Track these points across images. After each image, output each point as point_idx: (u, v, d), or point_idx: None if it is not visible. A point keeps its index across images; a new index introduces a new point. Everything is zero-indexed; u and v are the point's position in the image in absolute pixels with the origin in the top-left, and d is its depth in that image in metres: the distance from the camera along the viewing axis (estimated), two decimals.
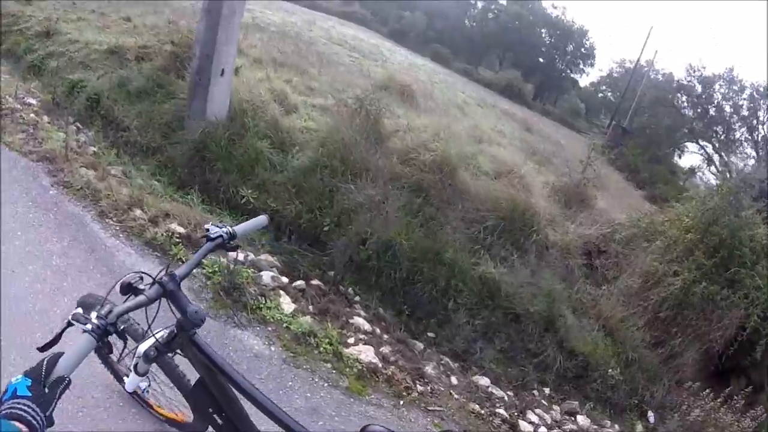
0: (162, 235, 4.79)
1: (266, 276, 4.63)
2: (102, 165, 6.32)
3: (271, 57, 12.20)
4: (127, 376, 2.04)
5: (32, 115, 7.56)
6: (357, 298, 5.22)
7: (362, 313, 4.91)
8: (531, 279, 5.39)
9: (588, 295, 5.69)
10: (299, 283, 4.90)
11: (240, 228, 1.98)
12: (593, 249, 6.48)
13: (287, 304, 4.37)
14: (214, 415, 2.01)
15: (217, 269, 4.35)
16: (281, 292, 4.53)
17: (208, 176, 6.29)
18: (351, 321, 4.62)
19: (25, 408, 1.09)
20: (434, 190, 6.19)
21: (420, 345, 4.81)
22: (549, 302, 5.15)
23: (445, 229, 5.79)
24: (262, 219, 2.12)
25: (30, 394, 1.12)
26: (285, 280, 4.81)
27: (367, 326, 4.59)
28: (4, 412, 1.07)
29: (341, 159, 6.20)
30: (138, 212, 5.19)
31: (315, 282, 5.09)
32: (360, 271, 5.36)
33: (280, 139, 6.78)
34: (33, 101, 8.12)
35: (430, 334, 5.13)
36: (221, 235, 1.88)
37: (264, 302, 4.22)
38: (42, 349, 1.40)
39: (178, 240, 4.76)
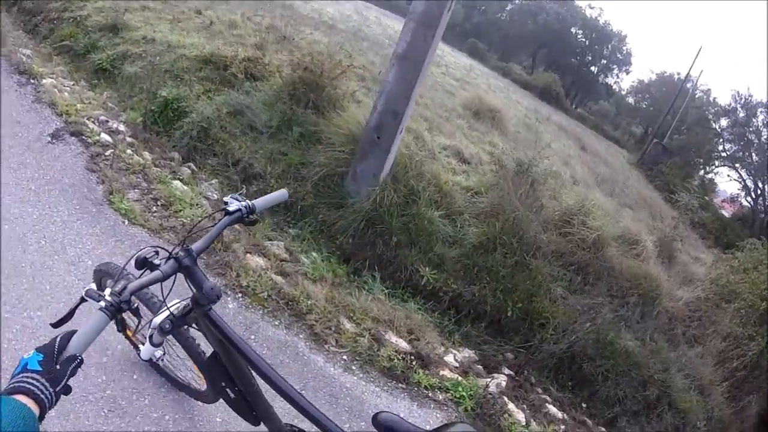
0: (396, 359, 4.02)
1: (492, 384, 4.27)
2: (267, 248, 4.49)
3: (371, 73, 10.33)
4: (143, 344, 2.06)
5: (129, 151, 5.53)
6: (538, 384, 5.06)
7: (548, 398, 4.79)
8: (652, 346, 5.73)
9: (684, 357, 5.98)
10: (502, 378, 4.52)
11: (259, 202, 1.95)
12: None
13: (516, 412, 4.12)
14: (227, 389, 2.11)
15: (465, 393, 3.96)
16: (504, 398, 4.24)
17: (378, 250, 5.33)
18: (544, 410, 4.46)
19: (34, 382, 1.11)
20: (592, 268, 6.17)
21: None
22: (665, 368, 5.51)
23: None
24: (282, 193, 2.10)
25: (41, 369, 1.14)
26: (503, 382, 4.40)
27: (559, 414, 4.51)
28: (12, 385, 1.10)
29: (512, 233, 5.75)
30: (347, 323, 4.20)
31: (506, 371, 4.82)
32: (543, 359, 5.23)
33: (447, 203, 6.10)
34: (121, 127, 6.03)
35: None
36: (240, 209, 1.84)
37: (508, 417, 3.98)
38: (55, 325, 1.47)
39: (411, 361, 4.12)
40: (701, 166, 33.09)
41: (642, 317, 6.08)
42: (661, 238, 8.09)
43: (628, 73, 53.06)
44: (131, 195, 4.76)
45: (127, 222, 4.35)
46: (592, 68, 53.32)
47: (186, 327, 1.96)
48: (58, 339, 1.23)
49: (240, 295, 4.01)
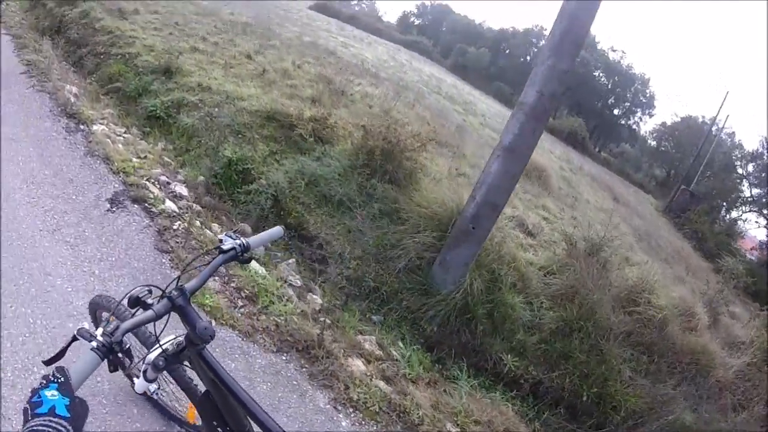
0: None
1: None
2: (361, 344, 4.08)
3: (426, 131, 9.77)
4: (137, 377, 2.03)
5: (198, 222, 4.84)
6: None
7: None
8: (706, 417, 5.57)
9: (733, 424, 5.75)
10: None
11: (254, 240, 1.94)
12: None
13: None
14: (218, 429, 2.02)
15: None
16: None
17: (463, 338, 5.03)
18: None
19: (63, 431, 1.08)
20: (656, 346, 5.92)
21: None
22: None
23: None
24: (277, 230, 2.09)
25: (69, 416, 1.12)
26: None
27: None
28: (40, 429, 1.06)
29: (587, 317, 5.49)
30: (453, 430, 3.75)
31: None
32: None
33: (524, 286, 5.81)
34: (183, 190, 5.38)
35: None
36: (234, 248, 1.84)
37: None
38: (47, 362, 1.43)
39: None
40: (728, 212, 32.96)
41: (696, 389, 5.95)
42: (707, 304, 7.89)
43: (651, 116, 53.12)
44: (211, 284, 4.05)
45: (214, 322, 3.63)
46: (615, 111, 53.44)
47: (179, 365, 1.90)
48: (71, 379, 1.22)
49: (351, 410, 3.43)
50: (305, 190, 5.91)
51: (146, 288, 1.63)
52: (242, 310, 3.96)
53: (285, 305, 4.13)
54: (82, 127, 6.07)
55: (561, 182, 13.53)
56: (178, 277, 1.71)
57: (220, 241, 1.87)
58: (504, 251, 5.74)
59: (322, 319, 4.14)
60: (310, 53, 12.23)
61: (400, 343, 4.58)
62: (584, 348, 5.27)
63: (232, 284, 4.20)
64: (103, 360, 1.37)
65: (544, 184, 11.44)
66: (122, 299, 1.60)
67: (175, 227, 4.69)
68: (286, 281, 4.64)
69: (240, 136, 6.61)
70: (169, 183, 5.48)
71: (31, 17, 11.03)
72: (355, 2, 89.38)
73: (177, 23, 10.63)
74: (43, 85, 7.06)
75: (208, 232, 4.84)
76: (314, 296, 4.58)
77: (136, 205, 4.82)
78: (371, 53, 18.66)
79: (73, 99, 6.73)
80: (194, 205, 5.32)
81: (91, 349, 1.36)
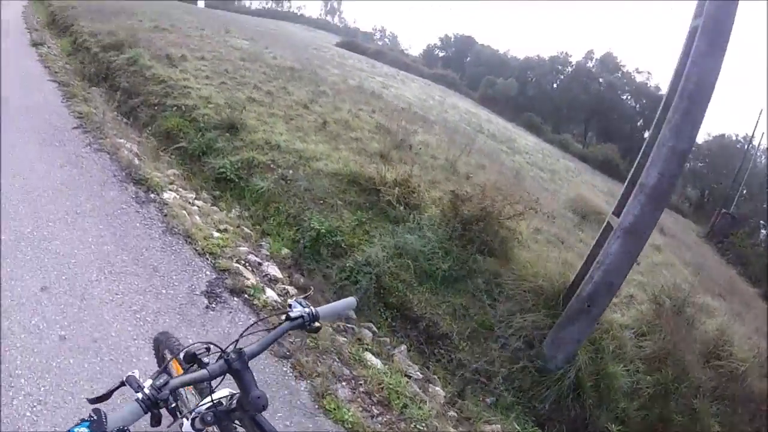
0: None
1: None
2: None
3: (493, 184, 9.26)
4: (187, 419, 1.87)
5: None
6: None
7: None
8: None
9: None
10: None
11: (324, 309, 1.83)
12: None
13: None
14: None
15: None
16: None
17: (572, 413, 4.87)
18: None
19: None
20: (739, 397, 5.68)
21: None
22: None
23: None
24: (350, 301, 1.95)
25: None
26: None
27: None
28: None
29: (681, 378, 5.36)
30: None
31: None
32: None
33: (620, 352, 5.49)
34: (276, 271, 4.75)
35: None
36: (302, 316, 1.74)
37: None
38: (92, 401, 1.41)
39: None
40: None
41: None
42: None
43: None
44: (341, 392, 3.44)
45: None
46: (645, 133, 53.02)
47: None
48: (106, 423, 1.22)
49: None
50: (403, 265, 5.33)
51: (205, 345, 1.58)
52: (380, 419, 3.48)
53: (420, 408, 3.73)
54: (152, 195, 5.47)
55: None
56: (238, 339, 1.62)
57: (289, 306, 1.78)
58: (601, 317, 5.41)
59: (451, 413, 3.97)
60: (359, 98, 11.93)
61: (515, 424, 4.38)
62: (680, 409, 5.21)
63: (361, 388, 3.69)
64: (146, 413, 1.33)
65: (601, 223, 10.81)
66: (181, 352, 1.55)
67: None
68: (406, 374, 4.23)
69: (321, 202, 6.03)
70: (260, 264, 4.86)
71: (75, 62, 10.62)
72: (378, 37, 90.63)
73: (227, 70, 10.18)
74: (100, 142, 6.50)
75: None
76: (435, 387, 4.34)
77: (236, 299, 4.19)
78: (410, 92, 18.70)
79: (134, 159, 6.16)
80: (290, 287, 4.69)
81: (136, 400, 1.33)
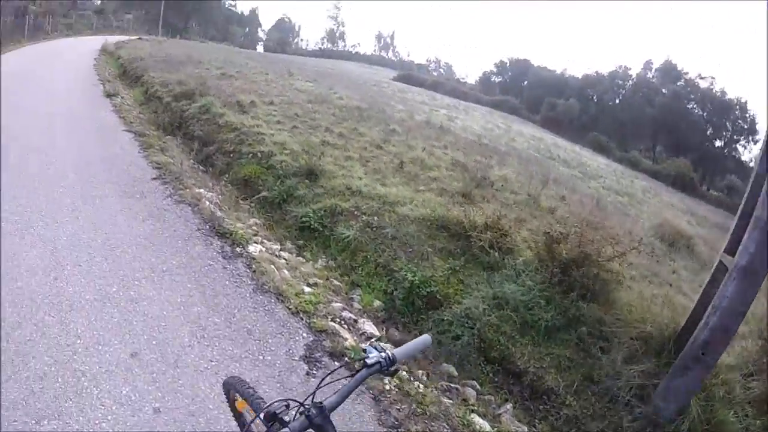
0: None
1: None
2: None
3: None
4: None
5: (405, 373, 3.81)
6: None
7: None
8: None
9: None
10: None
11: (401, 351, 1.75)
12: None
13: None
14: None
15: None
16: None
17: None
18: None
19: None
20: None
21: None
22: None
23: None
24: (425, 339, 1.88)
25: None
26: None
27: None
28: None
29: None
30: None
31: None
32: None
33: (726, 395, 5.00)
34: (372, 328, 4.44)
35: None
36: (379, 361, 1.65)
37: None
38: None
39: None
40: None
41: None
42: None
43: (756, 142, 49.10)
44: None
45: None
46: (716, 142, 49.92)
47: None
48: None
49: None
50: (503, 317, 4.93)
51: (284, 402, 1.53)
52: None
53: None
54: (238, 249, 5.24)
55: (701, 245, 12.04)
56: (314, 392, 1.55)
57: (364, 351, 1.69)
58: None
59: None
60: (429, 134, 11.81)
61: None
62: None
63: None
64: None
65: (693, 255, 10.10)
66: (259, 414, 1.56)
67: (387, 388, 3.66)
68: None
69: (411, 249, 5.68)
70: (355, 321, 4.54)
71: (148, 111, 10.81)
72: (433, 68, 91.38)
73: (297, 114, 10.13)
74: (180, 194, 6.39)
75: (421, 387, 3.80)
76: None
77: (336, 363, 3.84)
78: (475, 123, 18.76)
79: (216, 210, 5.98)
80: (387, 345, 4.31)
81: None
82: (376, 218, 6.11)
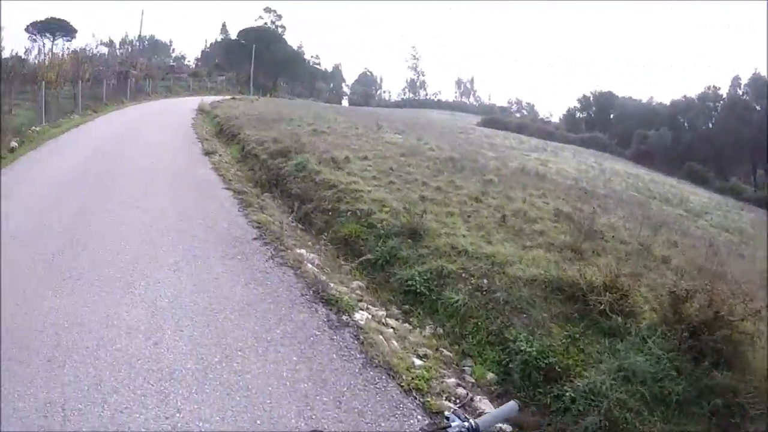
0: None
1: None
2: None
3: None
4: None
5: None
6: None
7: None
8: None
9: None
10: None
11: (484, 420, 1.55)
12: None
13: None
14: None
15: None
16: None
17: None
18: None
19: None
20: None
21: None
22: None
23: None
24: (511, 406, 1.67)
25: None
26: None
27: None
28: None
29: None
30: None
31: None
32: None
33: None
34: (488, 406, 4.08)
35: None
36: (461, 430, 1.48)
37: None
38: None
39: None
40: None
41: None
42: None
43: None
44: None
45: None
46: None
47: None
48: None
49: None
50: (630, 391, 4.34)
51: None
52: None
53: None
54: (344, 317, 4.99)
55: None
56: None
57: (447, 419, 1.47)
58: None
59: None
60: (526, 182, 11.46)
61: None
62: None
63: None
64: None
65: None
66: None
67: None
68: None
69: (524, 315, 5.21)
70: (472, 400, 4.10)
71: (245, 168, 11.04)
72: (515, 109, 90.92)
73: (391, 168, 10.00)
74: (282, 255, 6.27)
75: None
76: None
77: None
78: (567, 165, 18.39)
79: (319, 274, 5.78)
80: (505, 426, 3.86)
81: None
82: (485, 281, 5.71)
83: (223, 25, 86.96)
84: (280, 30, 70.00)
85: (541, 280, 5.71)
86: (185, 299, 5.03)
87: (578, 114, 61.94)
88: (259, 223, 7.30)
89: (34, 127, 15.95)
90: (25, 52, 30.73)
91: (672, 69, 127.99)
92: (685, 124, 49.26)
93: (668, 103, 53.66)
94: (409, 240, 6.54)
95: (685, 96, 52.11)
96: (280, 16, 70.84)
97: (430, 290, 5.73)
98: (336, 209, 7.66)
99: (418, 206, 7.45)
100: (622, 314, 5.27)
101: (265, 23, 69.48)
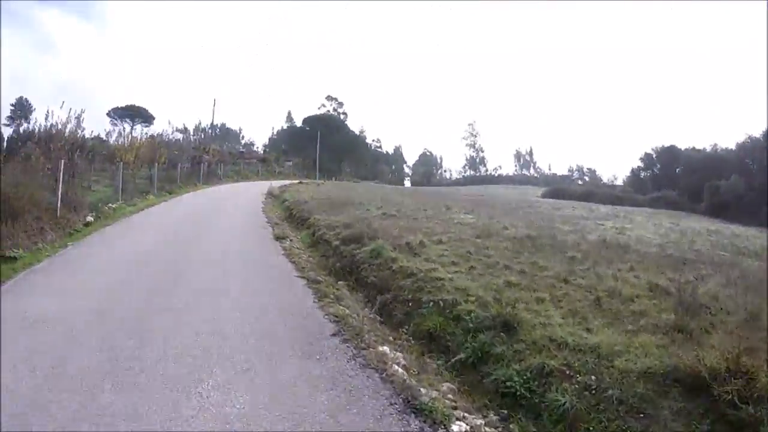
0: None
1: None
2: None
3: None
4: None
5: None
6: None
7: None
8: None
9: None
10: None
11: None
12: None
13: None
14: None
15: None
16: None
17: None
18: None
19: None
20: None
21: None
22: None
23: None
24: None
25: None
26: None
27: None
28: None
29: None
30: None
31: None
32: None
33: None
34: None
35: None
36: None
37: None
38: None
39: None
40: None
41: None
42: None
43: None
44: None
45: None
46: None
47: None
48: None
49: None
50: None
51: None
52: None
53: None
54: (440, 431, 4.35)
55: None
56: None
57: None
58: None
59: None
60: (610, 256, 10.65)
61: None
62: None
63: None
64: None
65: None
66: None
67: None
68: None
69: (642, 415, 4.47)
70: None
71: (317, 255, 10.83)
72: (576, 176, 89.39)
73: (469, 252, 9.52)
74: (364, 355, 5.79)
75: None
76: None
77: None
78: (644, 230, 17.65)
79: (405, 375, 5.24)
80: None
81: None
82: (593, 377, 5.02)
83: (289, 113, 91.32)
84: (342, 116, 72.89)
85: (654, 370, 4.99)
86: (260, 409, 4.49)
87: (643, 173, 60.05)
88: (337, 316, 6.89)
89: (110, 204, 16.65)
90: (107, 134, 32.65)
91: (732, 109, 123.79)
92: (754, 166, 46.78)
93: (734, 147, 51.68)
94: (502, 333, 5.95)
95: (749, 136, 49.83)
96: (341, 104, 74.07)
97: (531, 392, 5.09)
98: (416, 299, 7.20)
99: (507, 293, 6.87)
100: (751, 402, 4.47)
101: (328, 110, 72.54)
